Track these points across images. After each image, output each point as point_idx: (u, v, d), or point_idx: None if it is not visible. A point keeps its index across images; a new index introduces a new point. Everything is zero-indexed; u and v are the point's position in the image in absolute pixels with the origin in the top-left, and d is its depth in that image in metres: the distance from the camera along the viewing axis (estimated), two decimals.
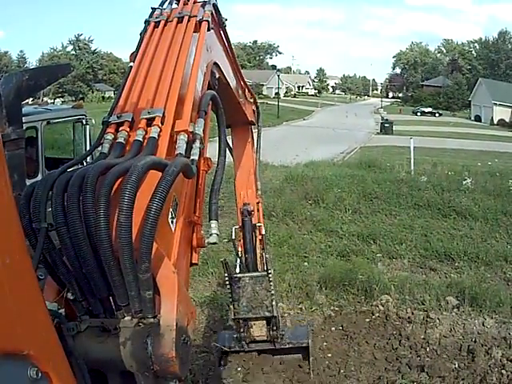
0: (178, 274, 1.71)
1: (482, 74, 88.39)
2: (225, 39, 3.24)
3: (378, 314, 6.83)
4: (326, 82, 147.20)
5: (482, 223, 11.03)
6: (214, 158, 2.33)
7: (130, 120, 2.09)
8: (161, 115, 2.05)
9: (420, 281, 7.96)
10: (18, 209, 1.49)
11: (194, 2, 2.79)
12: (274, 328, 4.77)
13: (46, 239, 1.62)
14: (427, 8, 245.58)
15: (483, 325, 6.30)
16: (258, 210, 4.91)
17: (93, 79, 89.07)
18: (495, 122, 60.92)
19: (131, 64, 2.46)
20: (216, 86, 2.82)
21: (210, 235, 2.22)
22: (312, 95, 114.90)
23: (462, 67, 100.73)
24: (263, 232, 4.96)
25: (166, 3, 2.80)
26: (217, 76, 2.89)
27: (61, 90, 76.31)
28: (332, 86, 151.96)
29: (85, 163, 2.64)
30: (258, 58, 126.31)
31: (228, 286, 4.48)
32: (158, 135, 2.01)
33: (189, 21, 2.61)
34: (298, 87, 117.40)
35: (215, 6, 2.90)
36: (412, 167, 16.62)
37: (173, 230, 1.90)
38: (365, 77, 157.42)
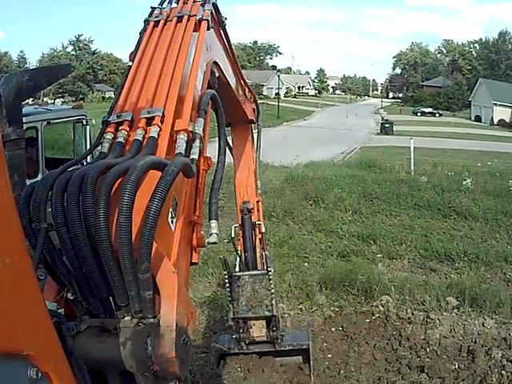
0: (177, 274, 1.70)
1: (482, 75, 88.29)
2: (225, 38, 3.23)
3: (378, 315, 6.82)
4: (326, 82, 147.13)
5: (482, 223, 11.04)
6: (214, 157, 2.32)
7: (130, 119, 2.08)
8: (160, 114, 2.05)
9: (420, 281, 7.95)
10: (18, 209, 1.48)
11: (194, 2, 2.79)
12: (274, 329, 4.70)
13: (45, 239, 1.61)
14: (427, 8, 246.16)
15: (483, 325, 6.28)
16: (258, 209, 4.88)
17: (93, 80, 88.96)
18: (495, 122, 60.88)
19: (130, 63, 2.45)
20: (216, 85, 2.81)
21: (210, 235, 2.22)
22: (312, 95, 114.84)
23: (462, 67, 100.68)
24: (263, 230, 4.91)
25: (166, 2, 2.80)
26: (217, 75, 2.89)
27: (61, 90, 76.20)
28: (332, 87, 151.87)
29: (85, 163, 2.64)
30: (258, 59, 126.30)
31: (227, 285, 4.41)
32: (158, 134, 2.01)
33: (188, 20, 2.61)
34: (299, 87, 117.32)
35: (215, 5, 2.89)
36: (412, 167, 16.63)
37: (173, 229, 1.90)
38: (365, 77, 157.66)
